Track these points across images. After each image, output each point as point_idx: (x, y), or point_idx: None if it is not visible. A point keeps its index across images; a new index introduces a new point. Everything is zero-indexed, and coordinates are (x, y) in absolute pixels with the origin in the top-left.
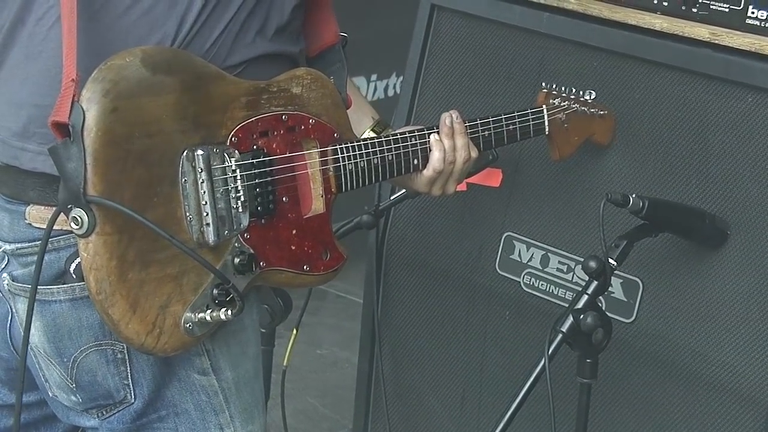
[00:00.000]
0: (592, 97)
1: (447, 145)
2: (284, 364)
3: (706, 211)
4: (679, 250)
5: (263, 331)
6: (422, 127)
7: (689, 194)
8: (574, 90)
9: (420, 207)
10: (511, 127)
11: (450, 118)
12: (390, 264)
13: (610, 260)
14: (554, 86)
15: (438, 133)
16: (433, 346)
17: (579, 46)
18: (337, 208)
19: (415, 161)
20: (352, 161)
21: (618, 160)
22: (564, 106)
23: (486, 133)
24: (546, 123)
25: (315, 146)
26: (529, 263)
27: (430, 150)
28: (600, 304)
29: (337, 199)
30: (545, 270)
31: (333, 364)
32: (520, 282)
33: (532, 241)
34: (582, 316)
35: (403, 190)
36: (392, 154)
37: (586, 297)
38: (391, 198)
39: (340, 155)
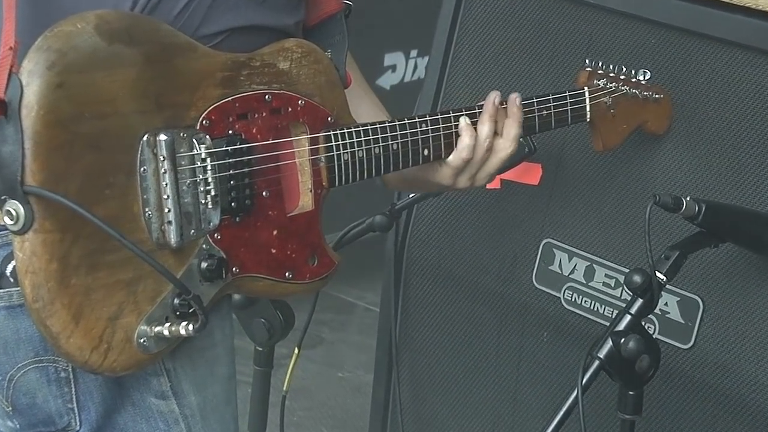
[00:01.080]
0: (647, 77)
1: (485, 131)
2: (284, 389)
3: None
4: (748, 264)
5: (260, 349)
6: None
7: (761, 199)
8: (624, 69)
9: (446, 207)
10: (544, 112)
11: (499, 97)
12: (410, 273)
13: (659, 274)
14: (600, 64)
15: (471, 116)
16: (459, 372)
17: (634, 20)
18: (351, 204)
19: (425, 151)
20: (348, 150)
21: (678, 156)
22: (611, 87)
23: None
24: (588, 108)
25: (304, 132)
26: (571, 276)
27: (459, 135)
28: (649, 326)
29: (351, 193)
30: (590, 284)
31: (356, 389)
32: (560, 297)
33: (576, 250)
34: (623, 340)
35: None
36: (398, 143)
37: (628, 317)
38: (411, 196)
39: (333, 143)
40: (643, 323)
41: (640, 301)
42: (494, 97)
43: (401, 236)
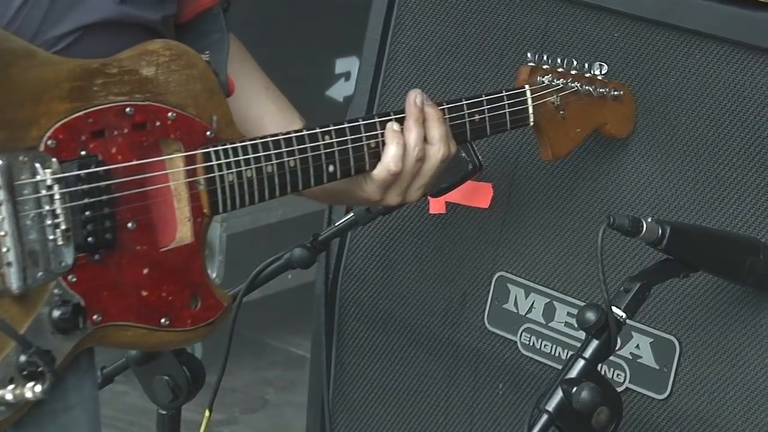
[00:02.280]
0: (603, 71)
1: (413, 138)
2: None
3: (760, 241)
4: (729, 298)
5: (163, 413)
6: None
7: (742, 218)
8: (575, 63)
9: (383, 236)
10: (477, 117)
11: (421, 97)
12: (345, 317)
13: (616, 310)
14: (545, 58)
15: (397, 121)
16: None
17: (595, 11)
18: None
19: (330, 168)
20: (234, 170)
21: (648, 170)
22: (558, 84)
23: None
24: (530, 109)
25: (178, 150)
26: (528, 315)
27: (383, 145)
28: (619, 374)
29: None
30: (550, 325)
31: None
32: (517, 341)
33: (533, 285)
34: (575, 390)
35: (351, 214)
36: (295, 159)
37: (582, 362)
38: (337, 223)
39: (214, 161)
40: (601, 368)
41: (595, 343)
42: (413, 97)
43: (332, 272)
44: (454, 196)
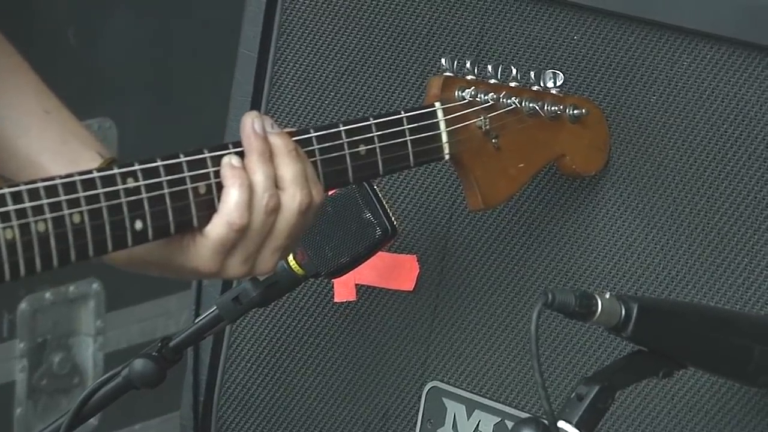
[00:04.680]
0: (558, 82)
1: (260, 179)
2: None
3: None
4: (737, 404)
5: None
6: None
7: (748, 285)
8: (514, 71)
9: (272, 337)
10: (362, 148)
11: (260, 121)
12: None
13: (565, 427)
14: (467, 64)
15: (238, 154)
16: None
17: (547, 6)
18: None
19: (138, 224)
20: None
21: (621, 217)
22: (486, 101)
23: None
24: (443, 136)
25: None
26: None
27: (220, 189)
28: None
29: None
30: None
31: None
32: None
33: (478, 398)
34: None
35: (214, 307)
36: (81, 213)
37: None
38: (196, 321)
39: None
40: None
41: None
42: (250, 123)
43: (203, 394)
44: (368, 275)
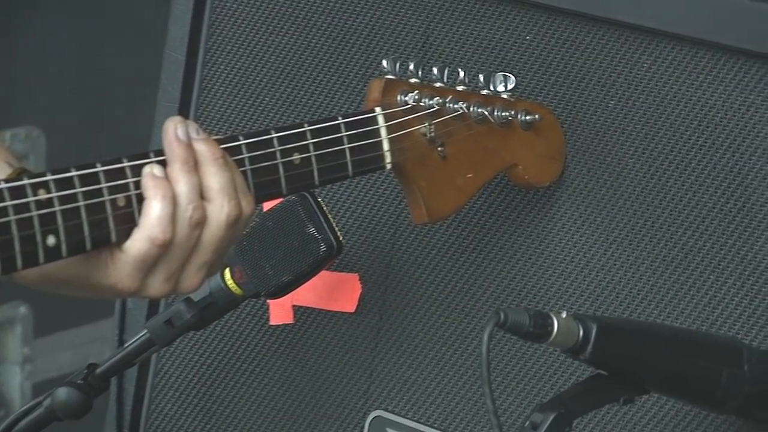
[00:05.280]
0: (509, 86)
1: (183, 190)
2: None
3: (743, 344)
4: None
5: None
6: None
7: (716, 303)
8: (461, 74)
9: (204, 362)
10: (296, 156)
11: (184, 127)
12: None
13: None
14: (410, 66)
15: (161, 163)
16: None
17: (498, 4)
18: None
19: (50, 240)
20: None
21: (583, 230)
22: (431, 106)
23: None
24: (384, 144)
25: None
26: None
27: (141, 201)
28: None
29: None
30: None
31: None
32: None
33: (423, 428)
34: None
35: (144, 331)
36: None
37: None
38: (125, 345)
39: None
40: None
41: None
42: (173, 128)
43: (128, 426)
44: (306, 296)
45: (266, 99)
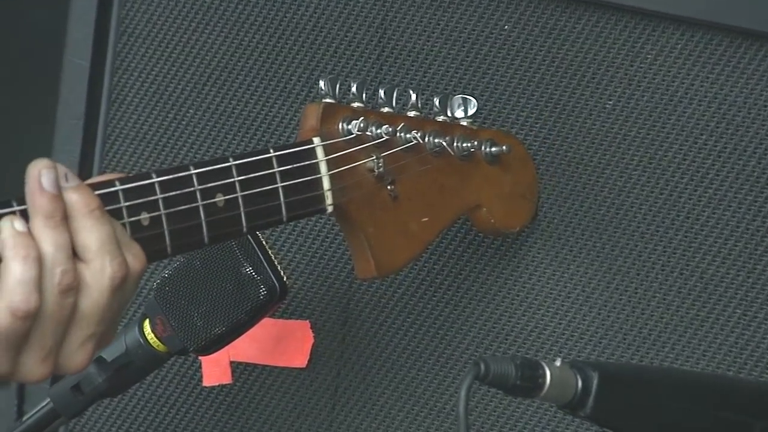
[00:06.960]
0: (470, 111)
1: (48, 249)
2: None
3: None
4: None
5: None
6: None
7: (742, 341)
8: (413, 97)
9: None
10: (219, 198)
11: (51, 173)
12: None
13: None
14: (353, 88)
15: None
16: None
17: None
18: None
19: None
20: None
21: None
22: (379, 136)
23: (135, 218)
24: (324, 182)
25: None
26: None
27: None
28: None
29: None
30: None
31: None
32: None
33: None
34: None
35: (47, 399)
36: None
37: None
38: (24, 418)
39: None
40: None
41: None
42: (36, 173)
43: None
44: (246, 350)
45: (190, 111)
